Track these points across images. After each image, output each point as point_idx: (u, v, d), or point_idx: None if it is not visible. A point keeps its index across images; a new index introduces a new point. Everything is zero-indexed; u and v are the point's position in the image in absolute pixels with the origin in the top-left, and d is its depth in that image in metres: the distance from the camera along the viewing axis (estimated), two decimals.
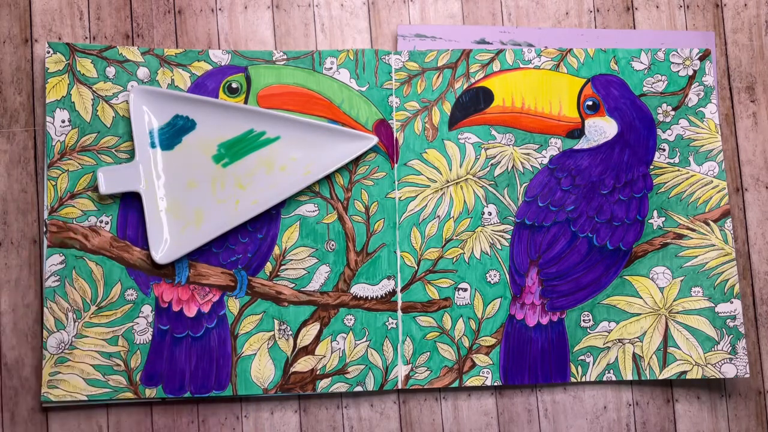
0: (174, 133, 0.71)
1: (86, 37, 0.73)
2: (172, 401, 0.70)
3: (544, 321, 0.72)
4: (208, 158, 0.71)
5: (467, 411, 0.71)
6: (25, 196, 0.71)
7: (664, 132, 0.74)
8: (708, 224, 0.73)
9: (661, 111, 0.74)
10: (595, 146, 0.74)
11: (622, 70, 0.75)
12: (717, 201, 0.73)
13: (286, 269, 0.71)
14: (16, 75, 0.72)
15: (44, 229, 0.69)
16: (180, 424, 0.70)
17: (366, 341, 0.71)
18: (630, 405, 0.72)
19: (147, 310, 0.69)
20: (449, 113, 0.73)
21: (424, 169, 0.73)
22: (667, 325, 0.72)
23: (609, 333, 0.72)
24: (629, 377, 0.71)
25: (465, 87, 0.74)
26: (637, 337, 0.72)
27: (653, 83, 0.75)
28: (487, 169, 0.73)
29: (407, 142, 0.73)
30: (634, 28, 0.77)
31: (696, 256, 0.73)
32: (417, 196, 0.72)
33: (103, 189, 0.69)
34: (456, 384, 0.71)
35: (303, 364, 0.70)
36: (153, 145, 0.71)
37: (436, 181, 0.73)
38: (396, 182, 0.72)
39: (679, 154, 0.74)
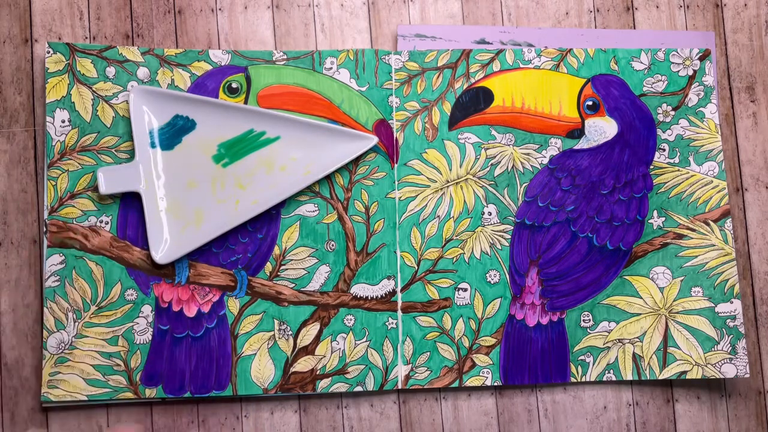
0: (174, 133, 0.71)
1: (86, 37, 0.73)
2: (172, 401, 0.70)
3: (544, 321, 0.72)
4: (208, 158, 0.71)
5: (467, 411, 0.71)
6: (25, 196, 0.71)
7: (664, 132, 0.74)
8: (708, 224, 0.73)
9: (661, 111, 0.74)
10: (595, 146, 0.74)
11: (622, 70, 0.75)
12: (717, 201, 0.73)
13: (286, 269, 0.71)
14: (16, 75, 0.72)
15: (44, 229, 0.69)
16: (180, 424, 0.70)
17: (366, 341, 0.71)
18: (630, 405, 0.72)
19: (147, 310, 0.69)
20: (449, 113, 0.73)
21: (424, 169, 0.73)
22: (667, 325, 0.72)
23: (609, 333, 0.72)
24: (629, 377, 0.71)
25: (465, 87, 0.74)
26: (637, 337, 0.72)
27: (653, 83, 0.75)
28: (487, 169, 0.73)
29: (407, 142, 0.73)
30: (634, 28, 0.77)
31: (696, 256, 0.73)
32: (417, 196, 0.72)
33: (103, 189, 0.69)
34: (456, 384, 0.71)
35: (303, 364, 0.70)
36: (153, 145, 0.71)
37: (436, 181, 0.73)
38: (396, 182, 0.72)
39: (679, 154, 0.74)
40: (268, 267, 0.71)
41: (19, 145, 0.72)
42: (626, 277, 0.73)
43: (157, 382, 0.69)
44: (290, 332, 0.70)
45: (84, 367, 0.68)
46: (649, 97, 0.75)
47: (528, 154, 0.74)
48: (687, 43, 0.76)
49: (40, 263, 0.70)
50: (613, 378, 0.71)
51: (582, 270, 0.72)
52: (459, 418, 0.71)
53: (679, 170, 0.74)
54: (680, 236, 0.73)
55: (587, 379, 0.71)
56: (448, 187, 0.73)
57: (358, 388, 0.70)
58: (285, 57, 0.73)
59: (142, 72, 0.72)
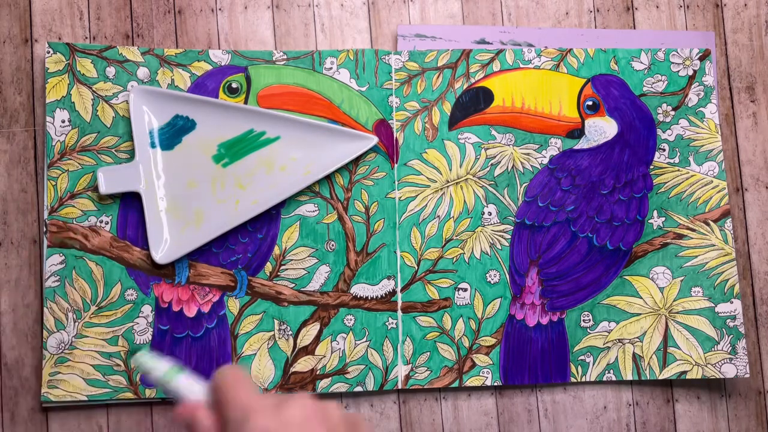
0: (174, 133, 0.71)
1: (86, 37, 0.73)
2: (172, 401, 0.70)
3: (544, 321, 0.72)
4: (208, 158, 0.71)
5: (467, 411, 0.71)
6: (25, 196, 0.71)
7: (664, 132, 0.74)
8: (708, 224, 0.73)
9: (661, 111, 0.74)
10: (595, 146, 0.74)
11: (622, 70, 0.75)
12: (717, 201, 0.73)
13: (286, 269, 0.71)
14: (16, 75, 0.72)
15: (44, 229, 0.69)
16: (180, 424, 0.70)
17: (366, 341, 0.71)
18: (630, 405, 0.72)
19: (147, 310, 0.69)
20: (449, 113, 0.73)
21: (424, 169, 0.73)
22: (667, 325, 0.72)
23: (609, 333, 0.72)
24: (629, 377, 0.71)
25: (465, 87, 0.74)
26: (637, 337, 0.72)
27: (653, 83, 0.75)
28: (487, 169, 0.73)
29: (407, 142, 0.73)
30: (634, 28, 0.77)
31: (696, 256, 0.73)
32: (417, 196, 0.72)
33: (103, 189, 0.69)
34: (456, 384, 0.71)
35: (303, 364, 0.70)
36: (153, 145, 0.71)
37: (436, 181, 0.73)
38: (396, 182, 0.72)
39: (679, 154, 0.74)
40: (268, 267, 0.71)
41: (19, 145, 0.72)
42: (626, 277, 0.73)
43: None
44: (290, 332, 0.70)
45: (84, 367, 0.68)
46: (649, 97, 0.75)
47: (528, 154, 0.74)
48: (687, 43, 0.76)
49: (40, 263, 0.70)
50: (613, 378, 0.71)
51: (582, 270, 0.72)
52: (459, 418, 0.71)
53: (679, 170, 0.74)
54: (680, 236, 0.73)
55: (587, 379, 0.71)
56: (448, 187, 0.73)
57: (358, 388, 0.70)
58: (285, 57, 0.73)
59: (142, 72, 0.72)
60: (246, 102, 0.72)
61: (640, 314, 0.72)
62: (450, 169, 0.73)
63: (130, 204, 0.70)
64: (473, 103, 0.74)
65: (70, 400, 0.68)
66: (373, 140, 0.71)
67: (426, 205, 0.72)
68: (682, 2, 0.77)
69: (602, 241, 0.73)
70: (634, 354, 0.71)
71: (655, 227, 0.73)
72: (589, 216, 0.73)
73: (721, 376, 0.71)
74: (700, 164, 0.74)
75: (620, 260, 0.73)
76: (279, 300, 0.70)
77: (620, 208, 0.73)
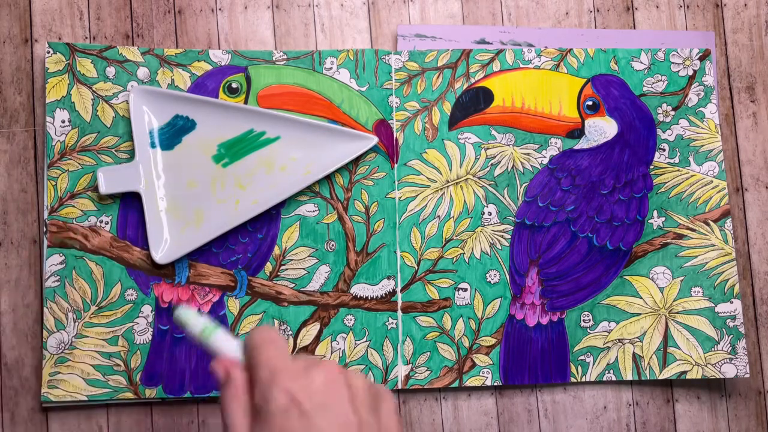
0: (174, 133, 0.71)
1: (86, 37, 0.73)
2: (172, 401, 0.70)
3: (544, 321, 0.72)
4: (208, 158, 0.71)
5: (467, 411, 0.71)
6: (25, 196, 0.71)
7: (664, 132, 0.74)
8: (708, 224, 0.73)
9: (661, 111, 0.74)
10: (595, 146, 0.74)
11: (622, 70, 0.75)
12: (717, 201, 0.73)
13: (286, 269, 0.71)
14: (16, 75, 0.72)
15: (44, 229, 0.69)
16: (180, 424, 0.70)
17: (366, 341, 0.71)
18: (630, 405, 0.72)
19: (147, 310, 0.69)
20: (449, 113, 0.73)
21: (424, 169, 0.73)
22: (667, 325, 0.72)
23: (609, 333, 0.72)
24: (629, 377, 0.71)
25: (465, 87, 0.74)
26: (637, 337, 0.72)
27: (653, 83, 0.75)
28: (487, 169, 0.73)
29: (407, 142, 0.73)
30: (634, 28, 0.77)
31: (696, 256, 0.73)
32: (417, 196, 0.72)
33: (103, 189, 0.69)
34: (456, 384, 0.71)
35: None
36: (153, 145, 0.71)
37: (436, 181, 0.73)
38: (396, 182, 0.72)
39: (679, 154, 0.74)
40: (268, 267, 0.71)
41: (19, 145, 0.72)
42: (626, 277, 0.73)
43: (157, 382, 0.69)
44: (290, 332, 0.70)
45: (84, 367, 0.68)
46: (649, 97, 0.75)
47: (528, 154, 0.74)
48: (687, 43, 0.76)
49: (40, 263, 0.70)
50: (613, 378, 0.71)
51: (582, 270, 0.72)
52: (459, 418, 0.71)
53: (679, 170, 0.74)
54: (680, 236, 0.73)
55: (587, 379, 0.71)
56: (448, 187, 0.73)
57: None
58: (285, 57, 0.73)
59: (142, 72, 0.72)
60: (246, 102, 0.72)
61: (640, 314, 0.72)
62: (450, 169, 0.73)
63: (130, 204, 0.70)
64: (473, 103, 0.74)
65: (70, 400, 0.68)
66: (373, 140, 0.71)
67: (426, 205, 0.72)
68: (682, 2, 0.77)
69: (602, 241, 0.73)
70: (634, 354, 0.71)
71: (655, 227, 0.73)
72: (589, 216, 0.73)
73: (721, 376, 0.71)
74: (700, 164, 0.74)
75: (620, 260, 0.73)
76: (279, 300, 0.70)
77: (620, 208, 0.73)
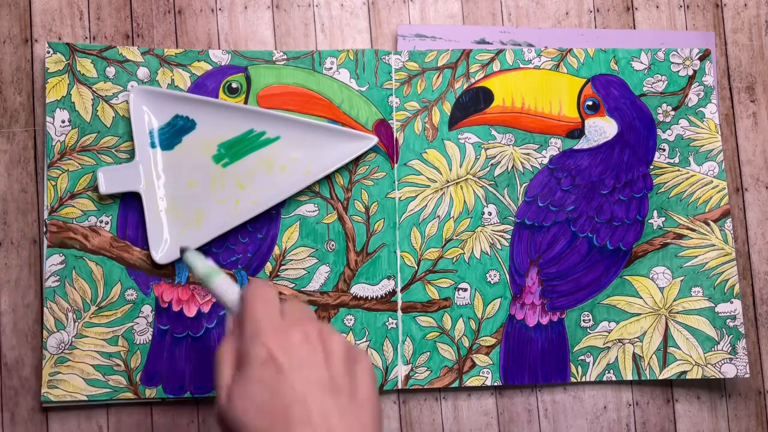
0: (174, 133, 0.71)
1: (86, 37, 0.73)
2: (172, 401, 0.70)
3: (544, 321, 0.72)
4: (208, 158, 0.71)
5: (467, 411, 0.71)
6: (25, 196, 0.71)
7: (664, 132, 0.74)
8: (708, 224, 0.73)
9: (661, 111, 0.74)
10: (595, 146, 0.74)
11: (622, 70, 0.75)
12: (717, 201, 0.73)
13: (286, 269, 0.71)
14: (16, 75, 0.72)
15: (44, 229, 0.69)
16: (180, 424, 0.70)
17: (366, 341, 0.71)
18: (630, 405, 0.72)
19: (147, 310, 0.69)
20: (449, 113, 0.73)
21: (424, 169, 0.73)
22: (667, 325, 0.72)
23: (609, 333, 0.72)
24: (629, 377, 0.71)
25: (465, 87, 0.74)
26: (637, 337, 0.72)
27: (653, 83, 0.75)
28: (487, 169, 0.73)
29: (407, 142, 0.73)
30: (634, 28, 0.77)
31: (696, 256, 0.73)
32: (417, 196, 0.72)
33: (103, 189, 0.69)
34: (456, 384, 0.71)
35: None
36: (153, 145, 0.71)
37: (436, 181, 0.73)
38: (396, 182, 0.72)
39: (679, 154, 0.74)
40: (268, 267, 0.71)
41: (19, 145, 0.72)
42: (626, 277, 0.73)
43: (157, 382, 0.69)
44: None
45: (84, 367, 0.68)
46: (649, 97, 0.75)
47: (528, 154, 0.74)
48: (687, 43, 0.76)
49: (40, 263, 0.70)
50: (613, 378, 0.71)
51: (582, 270, 0.72)
52: (459, 418, 0.71)
53: (679, 170, 0.74)
54: (680, 236, 0.73)
55: (587, 379, 0.71)
56: (448, 187, 0.73)
57: None
58: (285, 57, 0.73)
59: (142, 72, 0.72)
60: (246, 102, 0.72)
61: (640, 314, 0.72)
62: (450, 169, 0.73)
63: (130, 204, 0.70)
64: (473, 103, 0.74)
65: (70, 400, 0.68)
66: (373, 140, 0.71)
67: (426, 205, 0.72)
68: (682, 2, 0.77)
69: (602, 241, 0.73)
70: (634, 354, 0.71)
71: (655, 227, 0.73)
72: (589, 216, 0.73)
73: (721, 376, 0.71)
74: (700, 164, 0.74)
75: (620, 260, 0.73)
76: (279, 300, 0.70)
77: (620, 208, 0.73)
